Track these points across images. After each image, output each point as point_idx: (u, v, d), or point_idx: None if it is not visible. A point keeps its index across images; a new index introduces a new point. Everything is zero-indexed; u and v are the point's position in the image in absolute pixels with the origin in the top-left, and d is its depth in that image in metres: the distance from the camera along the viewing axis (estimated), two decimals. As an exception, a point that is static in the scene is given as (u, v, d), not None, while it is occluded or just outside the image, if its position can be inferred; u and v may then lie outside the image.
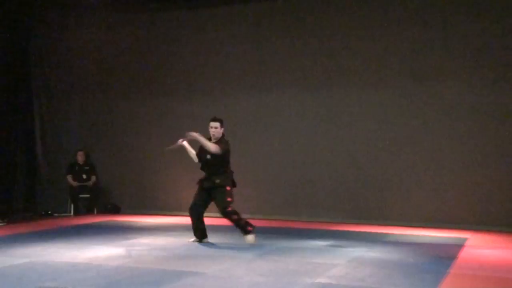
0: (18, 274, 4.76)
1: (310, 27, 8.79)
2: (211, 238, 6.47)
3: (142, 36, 9.72)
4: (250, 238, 6.26)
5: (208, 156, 6.27)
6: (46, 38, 10.13)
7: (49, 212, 9.54)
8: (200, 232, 6.45)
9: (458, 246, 6.43)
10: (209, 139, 6.27)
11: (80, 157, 9.76)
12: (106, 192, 9.88)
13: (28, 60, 10.12)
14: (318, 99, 8.77)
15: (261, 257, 5.63)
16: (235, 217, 6.21)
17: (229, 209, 6.18)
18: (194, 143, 6.35)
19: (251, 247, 6.24)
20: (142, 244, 6.31)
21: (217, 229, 7.73)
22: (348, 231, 7.61)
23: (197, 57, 9.41)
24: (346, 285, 4.50)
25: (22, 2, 9.83)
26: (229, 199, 6.22)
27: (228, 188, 6.26)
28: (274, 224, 8.33)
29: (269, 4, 9.02)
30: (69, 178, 9.63)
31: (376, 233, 7.46)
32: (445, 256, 5.82)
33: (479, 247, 6.48)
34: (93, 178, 9.73)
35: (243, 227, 6.28)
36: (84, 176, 9.69)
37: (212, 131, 6.29)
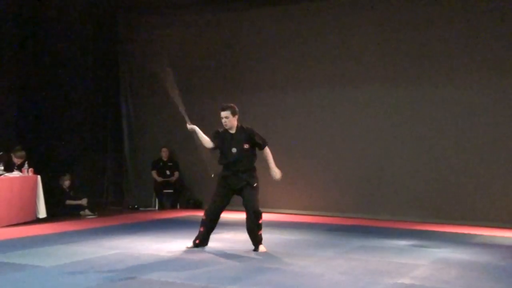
0: (108, 264, 5.01)
1: (395, 22, 8.59)
2: (291, 234, 6.44)
3: (223, 35, 9.87)
4: (262, 248, 5.68)
5: (234, 150, 5.62)
6: (133, 40, 10.53)
7: (136, 206, 9.99)
8: (208, 239, 5.85)
9: (554, 250, 6.05)
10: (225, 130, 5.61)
11: (164, 154, 10.10)
12: (188, 188, 10.16)
13: (116, 63, 10.60)
14: (402, 96, 8.54)
15: (341, 256, 5.57)
16: (260, 221, 5.64)
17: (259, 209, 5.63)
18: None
19: (330, 245, 6.19)
20: (223, 239, 6.43)
21: (296, 225, 7.74)
22: (432, 231, 7.35)
23: (279, 54, 9.40)
24: (431, 287, 4.35)
25: (110, 5, 10.31)
26: (258, 198, 5.66)
27: (257, 186, 5.65)
28: (353, 222, 8.20)
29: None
30: (154, 173, 10.00)
31: (463, 234, 7.15)
32: (539, 260, 5.47)
33: None
34: (176, 174, 10.04)
35: (260, 240, 5.68)
36: (168, 172, 10.02)
37: (224, 121, 5.59)
